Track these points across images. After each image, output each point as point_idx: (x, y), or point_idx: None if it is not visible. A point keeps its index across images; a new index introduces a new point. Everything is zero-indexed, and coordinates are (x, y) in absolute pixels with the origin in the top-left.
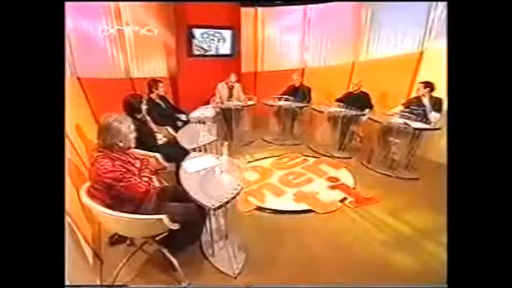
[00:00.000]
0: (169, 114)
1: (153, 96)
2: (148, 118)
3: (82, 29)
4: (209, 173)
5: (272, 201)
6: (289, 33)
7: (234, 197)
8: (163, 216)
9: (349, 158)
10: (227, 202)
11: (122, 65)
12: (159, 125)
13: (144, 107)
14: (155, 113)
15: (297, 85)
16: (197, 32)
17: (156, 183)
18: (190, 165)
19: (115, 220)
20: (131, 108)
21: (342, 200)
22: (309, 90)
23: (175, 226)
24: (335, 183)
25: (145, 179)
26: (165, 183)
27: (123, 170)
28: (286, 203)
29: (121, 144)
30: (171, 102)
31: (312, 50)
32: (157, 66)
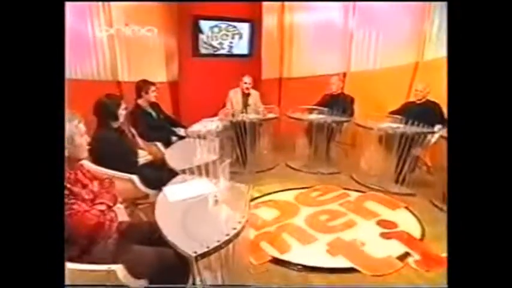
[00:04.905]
0: (161, 126)
1: (141, 102)
2: (133, 130)
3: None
4: (199, 204)
5: (296, 251)
6: (326, 28)
7: (229, 241)
8: (116, 267)
9: (413, 194)
10: (218, 248)
11: (108, 65)
12: (146, 140)
13: (122, 112)
14: (142, 123)
15: (335, 93)
16: (205, 25)
17: (125, 217)
18: (173, 192)
19: None
20: (105, 114)
21: (403, 257)
22: (352, 100)
23: (139, 284)
24: (391, 230)
25: (101, 207)
26: (145, 219)
27: (65, 191)
28: (317, 255)
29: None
30: (165, 111)
31: (357, 49)
32: (154, 68)
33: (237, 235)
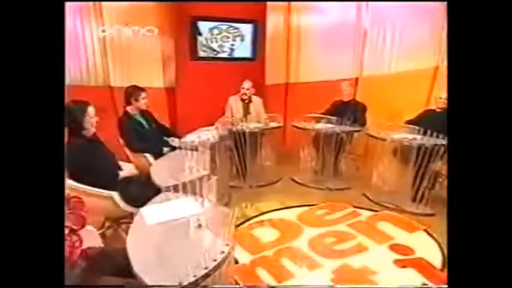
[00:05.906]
0: (152, 136)
1: (130, 109)
2: (120, 140)
3: None
4: (179, 228)
5: (297, 280)
6: (336, 29)
7: (207, 275)
8: None
9: (432, 215)
10: (193, 285)
11: (99, 69)
12: (134, 151)
13: (91, 120)
14: (130, 133)
15: (346, 100)
16: (204, 26)
17: (98, 241)
18: (152, 213)
19: None
20: (70, 122)
21: None
22: (364, 108)
23: None
24: (406, 257)
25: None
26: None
27: None
28: (321, 284)
29: None
30: (158, 120)
31: (370, 51)
32: (149, 73)
33: (218, 267)
